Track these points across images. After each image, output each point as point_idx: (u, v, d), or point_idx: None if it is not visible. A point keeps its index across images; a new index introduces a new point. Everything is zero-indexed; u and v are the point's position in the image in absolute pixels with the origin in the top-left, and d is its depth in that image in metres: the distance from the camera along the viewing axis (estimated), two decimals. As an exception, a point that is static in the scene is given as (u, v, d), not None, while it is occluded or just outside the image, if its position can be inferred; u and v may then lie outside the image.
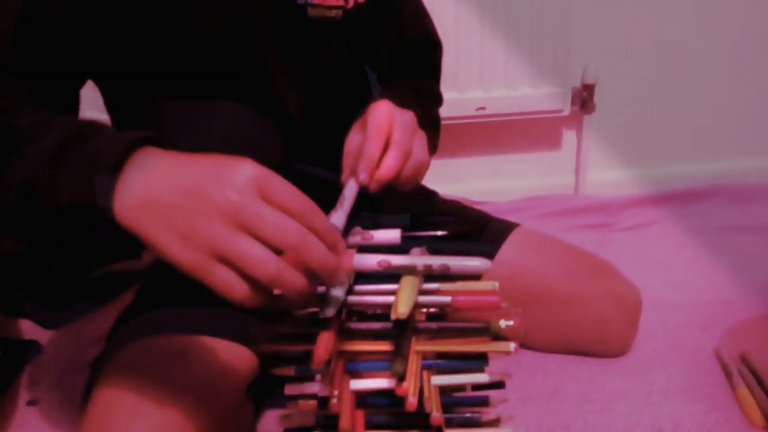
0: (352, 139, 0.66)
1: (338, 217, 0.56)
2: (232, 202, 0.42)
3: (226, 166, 0.44)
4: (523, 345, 0.85)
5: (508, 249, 0.86)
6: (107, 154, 0.46)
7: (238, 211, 0.42)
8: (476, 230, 0.88)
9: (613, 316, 0.85)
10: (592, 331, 0.86)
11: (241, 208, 0.42)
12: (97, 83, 0.73)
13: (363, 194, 0.61)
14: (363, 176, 0.61)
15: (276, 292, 0.45)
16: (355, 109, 0.69)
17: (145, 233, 0.45)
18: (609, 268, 0.89)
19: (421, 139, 0.67)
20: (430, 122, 0.79)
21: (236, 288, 0.43)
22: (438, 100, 0.90)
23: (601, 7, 1.37)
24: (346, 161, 0.64)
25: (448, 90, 0.97)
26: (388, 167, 0.62)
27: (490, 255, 0.53)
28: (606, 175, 1.51)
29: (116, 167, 0.45)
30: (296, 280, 0.43)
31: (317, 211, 0.45)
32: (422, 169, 0.67)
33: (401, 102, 0.68)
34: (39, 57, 0.62)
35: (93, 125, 0.50)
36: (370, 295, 0.52)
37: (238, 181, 0.43)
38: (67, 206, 0.47)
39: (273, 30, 0.70)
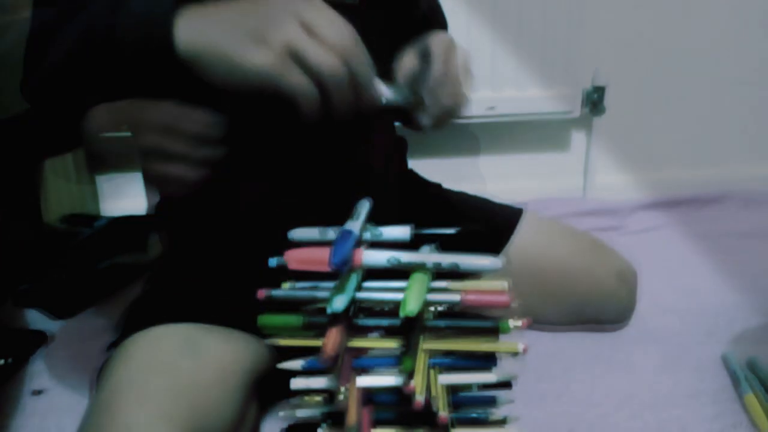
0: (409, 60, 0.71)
1: (354, 225, 0.55)
2: (298, 4, 0.48)
3: None
4: (537, 321, 0.90)
5: (520, 233, 0.91)
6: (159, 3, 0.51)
7: (303, 11, 0.48)
8: (485, 223, 0.89)
9: (618, 288, 0.91)
10: (599, 302, 0.91)
11: (306, 8, 0.48)
12: None
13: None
14: (429, 99, 0.66)
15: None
16: None
17: (213, 43, 0.49)
18: (606, 246, 0.94)
19: (468, 76, 0.72)
20: None
21: (308, 89, 0.48)
22: None
23: (613, 10, 1.37)
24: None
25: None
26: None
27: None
28: (614, 178, 1.50)
29: (172, 10, 0.50)
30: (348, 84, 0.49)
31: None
32: (464, 104, 0.72)
33: None
34: None
35: None
36: (380, 291, 0.52)
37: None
38: (127, 41, 0.51)
39: None
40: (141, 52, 0.51)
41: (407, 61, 0.70)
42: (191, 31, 0.50)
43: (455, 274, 0.52)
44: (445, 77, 0.67)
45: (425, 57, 0.69)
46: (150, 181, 0.56)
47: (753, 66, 1.43)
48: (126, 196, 1.36)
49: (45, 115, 0.67)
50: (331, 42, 0.48)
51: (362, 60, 0.51)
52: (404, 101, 0.64)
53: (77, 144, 0.70)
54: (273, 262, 0.52)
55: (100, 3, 0.54)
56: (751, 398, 0.77)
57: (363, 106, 0.52)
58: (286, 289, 0.54)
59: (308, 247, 0.53)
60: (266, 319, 0.53)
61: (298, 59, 0.47)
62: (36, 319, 1.01)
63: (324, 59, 0.48)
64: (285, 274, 0.54)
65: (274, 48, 0.47)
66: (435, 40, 0.70)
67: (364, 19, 0.76)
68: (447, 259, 0.52)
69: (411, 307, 0.47)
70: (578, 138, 1.48)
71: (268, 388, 0.72)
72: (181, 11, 0.51)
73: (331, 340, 0.47)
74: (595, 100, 1.39)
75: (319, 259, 0.50)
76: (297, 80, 0.48)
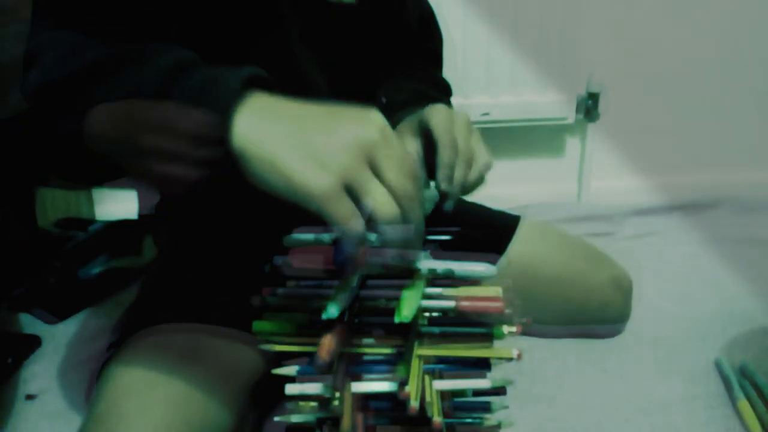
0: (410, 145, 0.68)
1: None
2: (371, 137, 0.44)
3: (360, 110, 0.46)
4: (532, 327, 0.92)
5: (517, 242, 0.91)
6: (227, 78, 0.47)
7: (375, 146, 0.44)
8: (483, 231, 0.90)
9: (613, 296, 0.92)
10: (594, 309, 0.92)
11: (378, 143, 0.44)
12: None
13: None
14: (445, 185, 0.64)
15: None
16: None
17: (268, 150, 0.44)
18: (601, 253, 0.95)
19: (478, 140, 0.70)
20: None
21: (353, 228, 0.43)
22: (449, 90, 0.92)
23: (608, 16, 1.37)
24: None
25: (453, 95, 0.97)
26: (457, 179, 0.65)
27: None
28: (609, 183, 1.51)
29: (238, 91, 0.46)
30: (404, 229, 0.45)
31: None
32: (488, 169, 0.69)
33: (421, 99, 0.69)
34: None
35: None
36: (375, 297, 0.52)
37: (377, 121, 0.45)
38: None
39: (296, 14, 0.71)
40: None
41: (411, 149, 0.67)
42: (249, 130, 0.45)
43: (452, 279, 0.52)
44: (455, 157, 0.65)
45: (429, 139, 0.67)
46: (150, 182, 0.55)
47: (749, 71, 1.44)
48: (121, 200, 1.36)
49: (46, 117, 0.66)
50: (394, 186, 0.44)
51: (420, 210, 0.46)
52: (433, 204, 0.65)
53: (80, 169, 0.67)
54: (276, 261, 0.52)
55: (152, 62, 0.50)
56: (744, 404, 0.77)
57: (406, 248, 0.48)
58: (285, 290, 0.54)
59: (308, 247, 0.53)
60: (261, 325, 0.53)
61: (352, 194, 0.43)
62: (29, 324, 1.01)
63: (380, 204, 0.43)
64: (283, 276, 0.54)
65: (331, 174, 0.42)
66: (433, 120, 0.66)
67: (362, 19, 0.76)
68: (442, 265, 0.52)
69: (405, 313, 0.47)
70: (573, 143, 1.49)
71: (268, 391, 0.72)
72: (245, 99, 0.46)
73: (325, 346, 0.47)
74: (589, 106, 1.39)
75: (321, 259, 0.50)
76: (344, 216, 0.43)
